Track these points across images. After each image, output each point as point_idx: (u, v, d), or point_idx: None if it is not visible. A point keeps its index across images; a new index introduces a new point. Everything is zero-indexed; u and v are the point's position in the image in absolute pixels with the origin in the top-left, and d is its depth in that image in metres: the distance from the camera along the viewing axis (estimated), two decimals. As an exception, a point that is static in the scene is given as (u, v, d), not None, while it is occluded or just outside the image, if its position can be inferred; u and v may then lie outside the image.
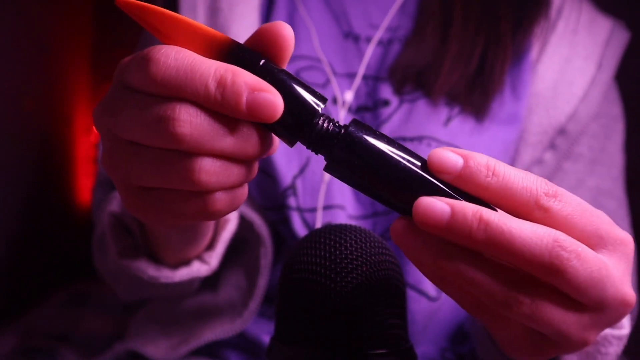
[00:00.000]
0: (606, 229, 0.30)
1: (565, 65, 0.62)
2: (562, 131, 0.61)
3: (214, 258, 0.53)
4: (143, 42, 0.67)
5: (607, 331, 0.40)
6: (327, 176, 0.59)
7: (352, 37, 0.64)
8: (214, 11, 0.62)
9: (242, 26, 0.61)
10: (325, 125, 0.31)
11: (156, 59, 0.28)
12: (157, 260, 0.52)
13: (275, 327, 0.38)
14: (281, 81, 0.30)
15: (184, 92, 0.28)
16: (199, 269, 0.52)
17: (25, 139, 1.19)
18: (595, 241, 0.30)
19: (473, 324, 0.54)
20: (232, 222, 0.55)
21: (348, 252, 0.35)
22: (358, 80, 0.62)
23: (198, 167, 0.29)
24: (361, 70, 0.62)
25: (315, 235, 0.37)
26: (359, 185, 0.31)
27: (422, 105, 0.60)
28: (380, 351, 0.34)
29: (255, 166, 0.32)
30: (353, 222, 0.58)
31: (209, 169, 0.29)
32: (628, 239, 0.31)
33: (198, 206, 0.30)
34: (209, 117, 0.28)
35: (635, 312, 0.63)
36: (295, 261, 0.36)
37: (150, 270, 0.51)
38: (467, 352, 0.61)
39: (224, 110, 0.28)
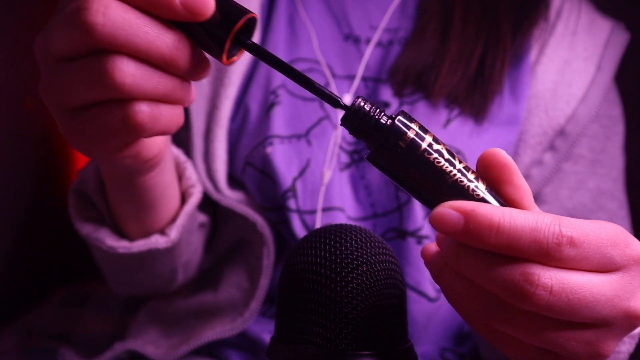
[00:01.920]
0: (620, 255, 0.30)
1: (565, 67, 0.62)
2: (561, 132, 0.61)
3: (174, 230, 0.54)
4: None
5: None
6: (326, 178, 0.59)
7: (352, 39, 0.64)
8: None
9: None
10: (368, 108, 0.31)
11: None
12: (123, 236, 0.53)
13: (275, 326, 0.38)
14: None
15: None
16: (157, 240, 0.53)
17: (26, 139, 1.19)
18: (610, 268, 0.30)
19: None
20: (195, 195, 0.55)
21: (348, 252, 0.35)
22: (357, 81, 0.62)
23: (115, 65, 0.29)
24: (361, 72, 0.62)
25: (315, 235, 0.37)
26: (398, 178, 0.31)
27: (421, 107, 0.60)
28: (380, 351, 0.34)
29: (189, 89, 0.32)
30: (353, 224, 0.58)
31: (126, 69, 0.29)
32: None
33: (120, 116, 0.31)
34: (127, 10, 0.29)
35: (637, 339, 0.63)
36: (295, 261, 0.37)
37: (109, 240, 0.52)
38: (467, 351, 0.62)
39: (158, 7, 0.29)
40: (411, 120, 0.31)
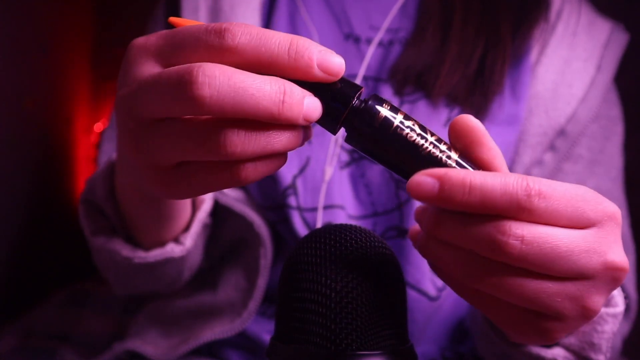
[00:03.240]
0: (592, 209, 0.31)
1: (565, 67, 0.63)
2: (561, 132, 0.62)
3: (189, 238, 0.53)
4: (153, 26, 0.67)
5: (602, 310, 0.41)
6: (327, 176, 0.59)
7: (353, 39, 0.64)
8: (215, 12, 0.62)
9: None
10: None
11: (233, 30, 0.29)
12: (136, 244, 0.53)
13: (275, 326, 0.38)
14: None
15: (259, 54, 0.29)
16: (172, 249, 0.53)
17: (26, 139, 1.19)
18: (584, 223, 0.31)
19: (472, 320, 0.55)
20: (207, 202, 0.55)
21: (348, 252, 0.35)
22: (358, 81, 0.62)
23: (226, 137, 0.29)
24: (362, 72, 0.63)
25: (315, 235, 0.37)
26: (376, 156, 0.33)
27: (422, 107, 0.60)
28: (381, 351, 0.34)
29: (300, 133, 0.32)
30: (353, 222, 0.58)
31: (236, 139, 0.29)
32: (615, 211, 0.32)
33: (226, 177, 0.31)
34: (230, 77, 0.29)
35: (634, 312, 0.63)
36: (295, 261, 0.37)
37: (124, 251, 0.51)
38: (467, 351, 0.62)
39: (297, 69, 0.30)
40: (383, 101, 0.33)
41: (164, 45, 0.31)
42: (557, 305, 0.31)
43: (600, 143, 0.64)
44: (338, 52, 0.67)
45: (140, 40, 0.32)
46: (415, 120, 0.33)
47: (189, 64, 0.29)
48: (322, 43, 0.64)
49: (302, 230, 0.58)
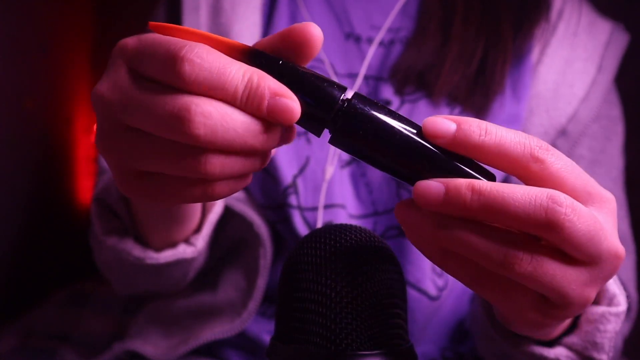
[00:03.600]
0: (593, 185, 0.31)
1: (566, 67, 0.63)
2: (562, 132, 0.62)
3: (200, 240, 0.53)
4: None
5: (605, 309, 0.41)
6: (328, 175, 0.59)
7: (354, 38, 0.64)
8: (216, 11, 0.62)
9: (244, 26, 0.62)
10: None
11: (190, 60, 0.29)
12: (145, 244, 0.53)
13: (275, 326, 0.38)
14: (300, 77, 0.31)
15: (213, 92, 0.29)
16: (184, 250, 0.53)
17: (26, 139, 1.19)
18: (584, 197, 0.31)
19: (473, 320, 0.54)
20: (218, 204, 0.55)
21: (348, 252, 0.35)
22: (359, 80, 0.62)
23: (207, 161, 0.29)
24: (362, 71, 0.63)
25: (315, 235, 0.37)
26: (362, 155, 0.32)
27: (423, 106, 0.60)
28: (381, 350, 0.34)
29: (267, 156, 0.33)
30: (354, 221, 0.58)
31: (217, 163, 0.30)
32: (611, 197, 0.32)
33: (199, 192, 0.31)
34: (224, 117, 0.29)
35: (635, 312, 0.63)
36: (295, 261, 0.37)
37: (136, 251, 0.51)
38: (467, 351, 0.62)
39: (247, 110, 0.29)
40: (365, 100, 0.32)
41: (135, 54, 0.31)
42: (570, 293, 0.31)
43: (601, 143, 0.64)
44: (338, 51, 0.68)
45: (122, 42, 0.32)
46: (399, 115, 0.32)
47: (188, 97, 0.29)
48: (323, 42, 0.64)
49: (302, 229, 0.58)
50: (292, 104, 0.30)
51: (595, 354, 0.41)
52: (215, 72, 0.29)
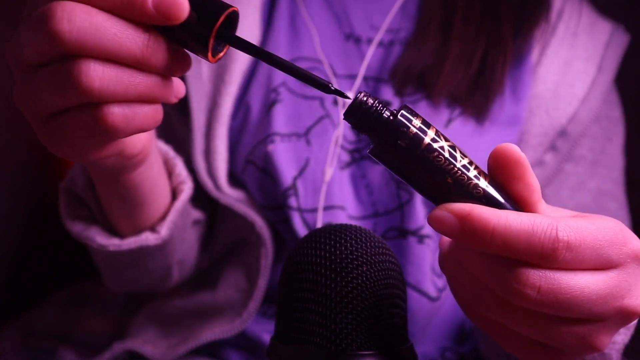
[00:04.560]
0: (617, 253, 0.30)
1: (566, 68, 0.63)
2: (562, 133, 0.62)
3: (164, 227, 0.53)
4: None
5: None
6: (328, 176, 0.59)
7: (353, 39, 0.64)
8: None
9: (244, 26, 0.62)
10: (370, 102, 0.30)
11: None
12: (114, 233, 0.53)
13: (275, 326, 0.38)
14: None
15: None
16: (147, 237, 0.53)
17: (26, 139, 1.19)
18: (606, 266, 0.30)
19: None
20: (185, 191, 0.55)
21: (348, 252, 0.35)
22: (359, 81, 0.62)
23: (80, 70, 0.28)
24: (362, 72, 0.62)
25: (315, 235, 0.37)
26: (399, 173, 0.31)
27: (423, 107, 0.60)
28: (380, 350, 0.34)
29: (168, 86, 0.32)
30: (354, 223, 0.58)
31: (93, 73, 0.29)
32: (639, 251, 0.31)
33: (91, 120, 0.30)
34: (92, 14, 0.28)
35: (633, 330, 0.63)
36: (295, 261, 0.37)
37: (99, 238, 0.52)
38: (468, 351, 0.62)
39: (132, 13, 0.28)
40: (414, 115, 0.31)
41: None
42: (565, 342, 0.31)
43: (602, 144, 0.64)
44: (338, 52, 0.68)
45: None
46: (446, 139, 0.31)
47: (52, 2, 0.28)
48: (323, 43, 0.64)
49: (302, 231, 0.58)
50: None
51: None
52: None
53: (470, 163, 0.31)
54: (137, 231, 0.53)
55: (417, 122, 0.30)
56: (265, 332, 0.59)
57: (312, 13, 0.65)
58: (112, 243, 0.52)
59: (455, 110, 0.60)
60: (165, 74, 0.31)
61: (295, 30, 0.64)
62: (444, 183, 0.30)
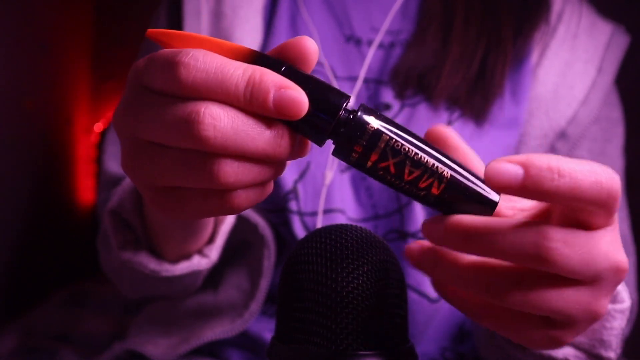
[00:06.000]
0: (613, 204, 0.30)
1: (566, 69, 0.63)
2: (562, 135, 0.62)
3: (214, 251, 0.54)
4: (146, 47, 0.67)
5: (610, 306, 0.41)
6: (328, 180, 0.59)
7: (354, 41, 0.64)
8: (218, 16, 0.62)
9: (246, 30, 0.62)
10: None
11: (185, 63, 0.28)
12: (159, 256, 0.53)
13: (275, 326, 0.38)
14: (304, 81, 0.30)
15: (214, 93, 0.29)
16: (199, 262, 0.53)
17: (26, 139, 1.19)
18: (607, 222, 0.30)
19: (475, 323, 0.54)
20: (230, 215, 0.55)
21: (349, 252, 0.35)
22: (359, 83, 0.62)
23: (220, 168, 0.29)
24: (362, 74, 0.63)
25: (316, 235, 0.37)
26: (366, 169, 0.32)
27: (423, 109, 0.60)
28: (381, 351, 0.34)
29: (284, 165, 0.33)
30: (354, 224, 0.58)
31: (230, 170, 0.29)
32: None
33: (218, 203, 0.31)
34: (234, 120, 0.29)
35: (634, 312, 0.63)
36: (295, 261, 0.37)
37: (152, 264, 0.52)
38: (468, 351, 0.62)
39: (252, 108, 0.29)
40: (371, 112, 0.31)
41: (144, 69, 0.31)
42: (573, 312, 0.31)
43: (601, 145, 0.64)
44: (339, 54, 0.68)
45: (134, 64, 0.32)
46: (403, 128, 0.31)
47: (195, 103, 0.29)
48: (323, 45, 0.64)
49: (302, 234, 0.58)
50: (299, 95, 0.29)
51: (602, 352, 0.41)
52: (212, 72, 0.29)
53: (433, 148, 0.31)
54: (185, 255, 0.53)
55: (375, 117, 0.31)
56: (266, 331, 0.59)
57: (312, 15, 0.65)
58: (164, 269, 0.52)
59: (454, 113, 0.60)
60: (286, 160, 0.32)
61: (296, 32, 0.64)
62: (415, 170, 0.31)
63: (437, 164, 0.31)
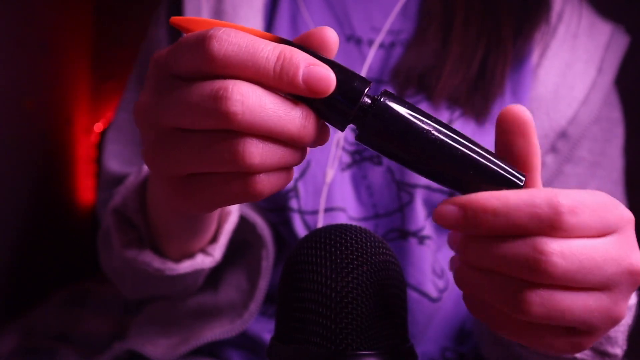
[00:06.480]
0: (614, 216, 0.31)
1: (566, 69, 0.63)
2: (563, 135, 0.62)
3: (217, 250, 0.54)
4: (146, 47, 0.66)
5: None
6: (328, 178, 0.59)
7: (355, 40, 0.64)
8: (218, 14, 0.62)
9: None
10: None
11: (218, 37, 0.29)
12: (162, 254, 0.53)
13: (275, 326, 0.38)
14: (329, 65, 0.31)
15: (245, 67, 0.29)
16: (202, 260, 0.53)
17: (26, 139, 1.19)
18: (607, 230, 0.31)
19: (477, 323, 0.54)
20: (234, 214, 0.55)
21: (349, 251, 0.35)
22: None
23: (245, 148, 0.29)
24: (363, 73, 0.63)
25: (315, 234, 0.37)
26: (389, 153, 0.32)
27: (423, 108, 0.60)
28: (381, 351, 0.34)
29: (305, 151, 0.33)
30: (354, 224, 0.58)
31: (255, 151, 0.29)
32: (631, 215, 0.32)
33: (241, 188, 0.31)
34: (261, 98, 0.29)
35: (634, 311, 0.63)
36: (295, 261, 0.37)
37: (156, 263, 0.52)
38: (468, 351, 0.62)
39: (281, 84, 0.29)
40: (395, 98, 0.32)
41: (169, 55, 0.31)
42: (594, 320, 0.31)
43: (602, 145, 0.64)
44: (339, 54, 0.67)
45: (154, 55, 0.32)
46: (425, 113, 0.32)
47: (223, 80, 0.29)
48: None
49: (302, 233, 0.58)
50: (328, 72, 0.29)
51: (609, 348, 0.41)
52: (244, 46, 0.29)
53: (457, 132, 0.32)
54: (188, 254, 0.53)
55: (399, 103, 0.31)
56: (265, 332, 0.59)
57: (313, 14, 0.65)
58: (168, 267, 0.52)
59: (455, 112, 0.60)
60: (309, 146, 0.32)
61: (297, 32, 0.64)
62: (438, 154, 0.31)
63: (459, 147, 0.31)
